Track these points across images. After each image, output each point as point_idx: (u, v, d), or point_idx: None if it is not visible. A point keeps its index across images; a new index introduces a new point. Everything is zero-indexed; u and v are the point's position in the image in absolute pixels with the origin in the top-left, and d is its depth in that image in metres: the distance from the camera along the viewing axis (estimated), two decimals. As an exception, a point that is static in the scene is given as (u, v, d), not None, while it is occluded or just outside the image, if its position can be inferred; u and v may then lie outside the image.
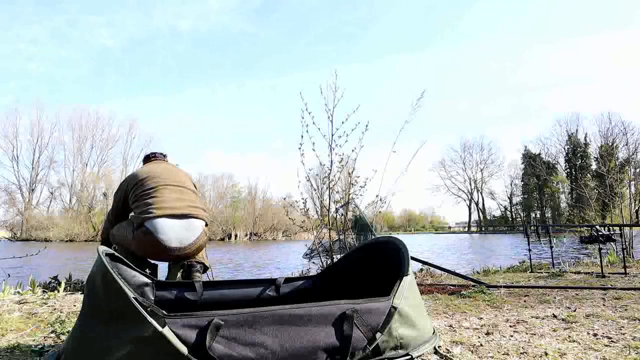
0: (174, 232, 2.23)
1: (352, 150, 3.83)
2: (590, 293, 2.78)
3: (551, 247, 4.87)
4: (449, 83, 64.66)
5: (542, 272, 4.12)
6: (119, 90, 56.52)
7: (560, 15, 59.86)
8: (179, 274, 2.41)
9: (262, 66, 63.38)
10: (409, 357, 1.31)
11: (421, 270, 4.32)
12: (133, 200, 2.35)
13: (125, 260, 1.56)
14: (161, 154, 2.76)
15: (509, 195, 50.44)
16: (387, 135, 4.01)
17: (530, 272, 4.17)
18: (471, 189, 51.67)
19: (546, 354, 1.48)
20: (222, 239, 33.45)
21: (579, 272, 3.98)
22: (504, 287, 3.09)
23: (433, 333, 1.50)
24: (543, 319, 2.05)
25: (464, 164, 51.39)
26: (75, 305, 2.38)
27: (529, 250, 4.70)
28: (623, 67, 57.97)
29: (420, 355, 1.36)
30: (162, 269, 2.48)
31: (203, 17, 60.11)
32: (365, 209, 4.35)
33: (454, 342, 1.66)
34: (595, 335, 1.73)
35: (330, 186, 3.78)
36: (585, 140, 40.76)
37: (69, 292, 2.85)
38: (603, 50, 59.34)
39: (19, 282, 3.10)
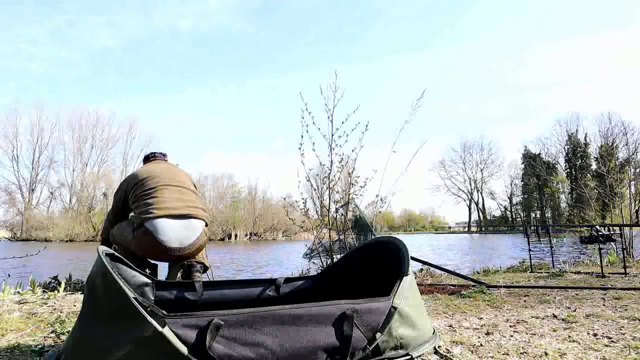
0: (174, 232, 2.23)
1: (352, 150, 3.83)
2: (590, 293, 2.78)
3: (551, 247, 4.88)
4: (449, 83, 64.73)
5: (542, 272, 4.12)
6: (119, 90, 56.58)
7: (560, 15, 59.91)
8: (179, 274, 2.41)
9: (262, 66, 63.44)
10: (409, 357, 1.31)
11: (421, 270, 4.32)
12: (133, 200, 2.35)
13: (125, 260, 1.56)
14: (161, 153, 2.76)
15: (509, 195, 50.52)
16: (387, 135, 4.01)
17: (530, 272, 4.17)
18: (471, 189, 51.73)
19: (546, 354, 1.48)
20: (222, 239, 33.45)
21: (579, 272, 3.98)
22: (504, 287, 3.09)
23: (433, 333, 1.50)
24: (543, 319, 2.05)
25: (464, 164, 51.46)
26: (75, 305, 2.38)
27: (529, 250, 4.71)
28: (623, 67, 58.02)
29: (420, 355, 1.36)
30: (162, 269, 2.48)
31: (203, 17, 60.16)
32: (365, 209, 4.35)
33: (454, 342, 1.66)
34: (595, 335, 1.73)
35: (330, 186, 3.78)
36: (585, 140, 40.79)
37: (69, 292, 2.85)
38: (603, 50, 59.38)
39: (19, 282, 3.10)
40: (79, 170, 37.27)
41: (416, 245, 17.86)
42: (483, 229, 48.69)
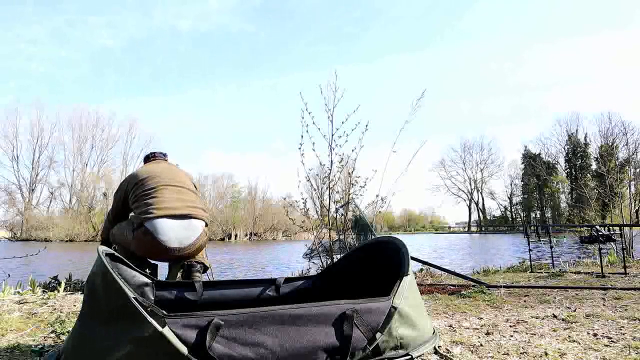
0: (174, 233, 2.23)
1: (352, 150, 3.83)
2: (590, 293, 2.78)
3: (551, 247, 4.87)
4: (449, 83, 64.65)
5: (542, 272, 4.12)
6: (119, 90, 56.50)
7: (560, 15, 59.88)
8: (179, 274, 2.41)
9: (262, 66, 63.37)
10: (409, 357, 1.31)
11: (421, 270, 4.32)
12: (133, 200, 2.35)
13: (125, 260, 1.56)
14: (161, 153, 2.76)
15: (509, 195, 50.51)
16: (387, 135, 4.01)
17: (530, 272, 4.17)
18: (471, 189, 51.72)
19: (546, 354, 1.48)
20: (222, 239, 33.45)
21: (579, 272, 3.98)
22: (504, 287, 3.09)
23: (433, 333, 1.50)
24: (543, 319, 2.05)
25: (464, 164, 51.45)
26: (75, 305, 2.38)
27: (529, 250, 4.71)
28: (623, 67, 58.01)
29: (420, 355, 1.36)
30: (162, 269, 2.48)
31: (203, 17, 60.09)
32: (365, 209, 4.35)
33: (454, 342, 1.66)
34: (595, 335, 1.73)
35: (330, 186, 3.78)
36: (585, 140, 40.78)
37: (69, 292, 2.85)
38: (603, 50, 59.37)
39: (19, 282, 3.11)
40: (79, 170, 37.30)
41: (416, 245, 17.86)
42: (483, 229, 48.69)
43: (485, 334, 1.78)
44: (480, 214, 51.86)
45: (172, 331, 1.08)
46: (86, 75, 54.68)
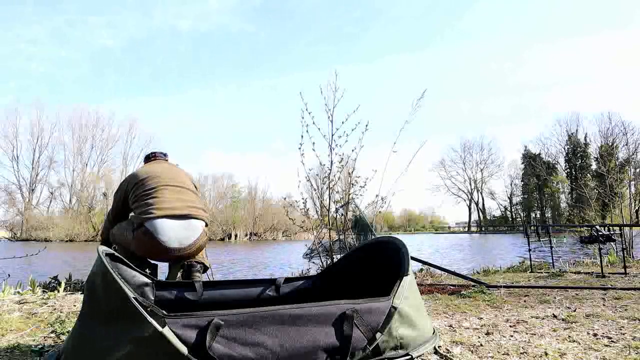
0: (174, 233, 2.23)
1: (352, 150, 3.83)
2: (590, 293, 2.78)
3: (551, 247, 4.87)
4: (449, 83, 64.57)
5: (542, 272, 4.12)
6: (119, 90, 56.43)
7: (560, 15, 59.85)
8: (179, 274, 2.41)
9: (262, 66, 63.31)
10: (409, 357, 1.31)
11: (421, 270, 4.32)
12: (133, 200, 2.35)
13: (125, 260, 1.56)
14: (162, 153, 2.76)
15: (509, 195, 50.48)
16: (387, 135, 4.00)
17: (530, 272, 4.17)
18: (471, 189, 51.70)
19: (546, 354, 1.48)
20: (222, 239, 33.46)
21: (579, 272, 3.98)
22: (504, 287, 3.09)
23: (433, 333, 1.50)
24: (543, 319, 2.05)
25: (464, 164, 51.41)
26: (75, 305, 2.38)
27: (529, 250, 4.71)
28: (623, 67, 58.01)
29: (420, 355, 1.36)
30: (162, 269, 2.48)
31: (203, 17, 60.03)
32: (365, 209, 4.35)
33: (454, 342, 1.66)
34: (595, 335, 1.73)
35: (330, 186, 3.78)
36: (585, 140, 40.75)
37: (69, 292, 2.85)
38: (603, 50, 59.36)
39: (19, 282, 3.11)
40: (79, 170, 37.28)
41: (416, 245, 17.86)
42: (483, 229, 48.68)
43: (485, 334, 1.78)
44: (480, 214, 51.87)
45: (172, 331, 1.08)
46: (86, 75, 54.71)
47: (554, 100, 62.39)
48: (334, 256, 3.76)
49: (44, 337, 1.73)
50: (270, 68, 63.75)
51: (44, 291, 2.84)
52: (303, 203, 3.90)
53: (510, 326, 1.91)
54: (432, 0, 62.91)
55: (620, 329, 1.82)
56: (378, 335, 1.27)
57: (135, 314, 1.07)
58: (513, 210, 50.21)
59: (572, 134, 41.97)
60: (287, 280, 1.91)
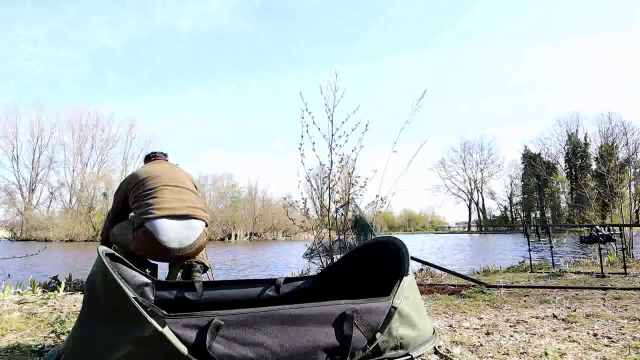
0: (174, 233, 2.23)
1: (352, 150, 3.82)
2: (590, 293, 2.78)
3: (551, 247, 4.87)
4: (449, 83, 64.58)
5: (542, 272, 4.12)
6: (119, 90, 56.45)
7: (560, 15, 59.86)
8: (179, 274, 2.41)
9: (262, 66, 63.29)
10: (409, 357, 1.31)
11: (421, 270, 4.32)
12: (133, 200, 2.35)
13: (125, 260, 1.56)
14: (162, 153, 2.76)
15: (509, 195, 50.48)
16: (387, 135, 4.00)
17: (530, 272, 4.17)
18: (471, 189, 51.70)
19: (546, 354, 1.48)
20: (222, 239, 33.45)
21: (579, 272, 3.98)
22: (504, 287, 3.09)
23: (433, 333, 1.50)
24: (543, 319, 2.05)
25: (464, 164, 51.41)
26: (75, 305, 2.38)
27: (529, 250, 4.71)
28: (623, 67, 58.00)
29: (420, 355, 1.36)
30: (162, 269, 2.48)
31: (203, 17, 60.02)
32: (365, 209, 4.35)
33: (454, 342, 1.66)
34: (595, 335, 1.73)
35: (330, 186, 3.78)
36: (585, 140, 40.77)
37: (69, 292, 2.85)
38: (603, 50, 59.35)
39: (19, 282, 3.11)
40: (79, 170, 37.29)
41: (416, 245, 17.86)
42: (483, 229, 48.67)
43: (485, 334, 1.78)
44: (480, 214, 51.88)
45: (172, 331, 1.08)
46: (86, 75, 54.72)
47: (554, 100, 62.45)
48: (334, 256, 3.76)
49: (44, 337, 1.73)
50: (270, 68, 63.79)
51: (44, 291, 2.84)
52: (303, 203, 3.90)
53: (510, 326, 1.91)
54: (432, 0, 62.95)
55: (620, 329, 1.82)
56: (378, 335, 1.27)
57: (135, 314, 1.07)
58: (513, 210, 50.24)
59: (572, 134, 41.98)
60: (287, 280, 1.91)
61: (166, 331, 1.06)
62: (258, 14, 61.00)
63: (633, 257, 5.65)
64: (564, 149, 42.50)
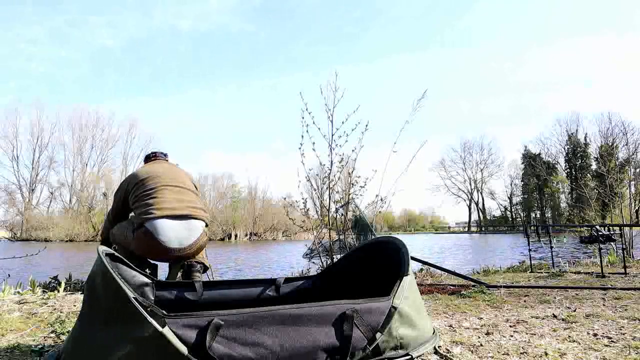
0: (174, 233, 2.23)
1: (352, 150, 3.82)
2: (590, 293, 2.78)
3: (551, 247, 4.87)
4: (449, 83, 64.56)
5: (542, 272, 4.12)
6: (119, 90, 56.43)
7: (560, 15, 59.86)
8: (179, 274, 2.41)
9: (262, 66, 63.26)
10: (409, 357, 1.31)
11: (421, 270, 4.32)
12: (133, 200, 2.35)
13: (126, 260, 1.56)
14: (162, 153, 2.76)
15: (509, 195, 50.47)
16: (388, 135, 4.00)
17: (530, 272, 4.17)
18: (471, 189, 51.70)
19: (546, 354, 1.48)
20: (222, 239, 33.45)
21: (579, 272, 3.98)
22: (504, 287, 3.09)
23: (433, 333, 1.50)
24: (543, 319, 2.05)
25: (464, 164, 51.41)
26: (75, 305, 2.38)
27: (529, 250, 4.71)
28: (623, 67, 58.00)
29: (420, 355, 1.36)
30: (162, 269, 2.48)
31: (203, 17, 60.01)
32: (365, 209, 4.35)
33: (454, 342, 1.66)
34: (595, 335, 1.73)
35: (330, 186, 3.78)
36: (585, 140, 40.75)
37: (69, 292, 2.85)
38: (603, 51, 59.33)
39: (19, 282, 3.11)
40: (79, 170, 37.30)
41: (416, 245, 17.86)
42: (483, 229, 48.67)
43: (485, 334, 1.78)
44: (480, 214, 51.87)
45: (172, 331, 1.08)
46: (86, 75, 54.71)
47: (554, 100, 62.42)
48: (334, 256, 3.76)
49: (44, 337, 1.73)
50: (270, 68, 63.77)
51: (44, 291, 2.84)
52: (303, 203, 3.90)
53: (510, 326, 1.91)
54: (432, 0, 62.94)
55: (620, 329, 1.82)
56: (378, 335, 1.27)
57: (135, 314, 1.07)
58: (513, 210, 50.23)
59: (572, 134, 41.97)
60: (287, 280, 1.91)
61: (166, 331, 1.06)
62: (258, 14, 61.04)
63: (633, 257, 5.65)
64: (564, 149, 42.50)
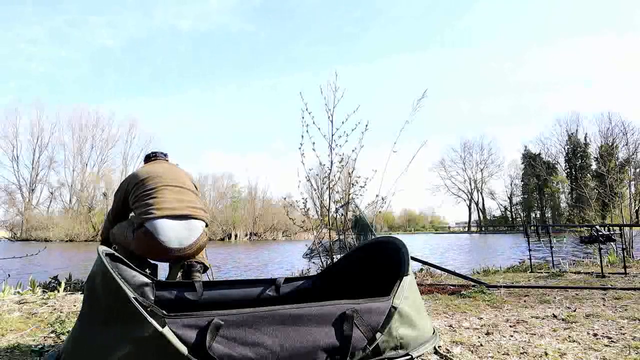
0: (174, 233, 2.23)
1: (352, 151, 3.83)
2: (590, 293, 2.78)
3: (551, 247, 4.87)
4: (449, 83, 64.55)
5: (542, 272, 4.12)
6: (119, 90, 56.43)
7: (560, 15, 59.85)
8: (179, 274, 2.41)
9: (262, 66, 63.25)
10: (409, 357, 1.31)
11: (421, 270, 4.32)
12: (133, 200, 2.35)
13: (126, 260, 1.56)
14: (162, 153, 2.76)
15: (509, 195, 50.47)
16: (388, 135, 4.00)
17: (530, 272, 4.17)
18: (471, 189, 51.70)
19: (546, 354, 1.48)
20: (222, 239, 33.45)
21: (579, 272, 3.98)
22: (504, 287, 3.09)
23: (433, 333, 1.50)
24: (543, 319, 2.05)
25: (464, 164, 51.41)
26: (75, 305, 2.38)
27: (529, 250, 4.71)
28: (623, 67, 57.99)
29: (420, 355, 1.36)
30: (163, 269, 2.48)
31: (203, 17, 60.00)
32: (365, 209, 4.35)
33: (454, 342, 1.66)
34: (595, 335, 1.73)
35: (330, 186, 3.78)
36: (585, 140, 40.74)
37: (69, 292, 2.85)
38: (603, 51, 59.33)
39: (19, 282, 3.11)
40: (79, 170, 37.31)
41: (416, 245, 17.86)
42: (483, 229, 48.66)
43: (485, 334, 1.78)
44: (480, 214, 51.87)
45: (172, 331, 1.08)
46: (86, 75, 54.70)
47: (554, 100, 62.40)
48: (334, 256, 3.76)
49: (44, 337, 1.73)
50: (270, 68, 63.76)
51: (44, 291, 2.84)
52: (303, 203, 3.90)
53: (510, 326, 1.91)
54: (432, 0, 62.93)
55: (620, 329, 1.82)
56: (378, 335, 1.27)
57: (135, 314, 1.07)
58: (513, 210, 50.23)
59: (572, 134, 41.97)
60: (287, 280, 1.91)
61: (166, 331, 1.06)
62: (258, 14, 61.03)
63: (633, 257, 5.65)
64: (564, 149, 42.50)
